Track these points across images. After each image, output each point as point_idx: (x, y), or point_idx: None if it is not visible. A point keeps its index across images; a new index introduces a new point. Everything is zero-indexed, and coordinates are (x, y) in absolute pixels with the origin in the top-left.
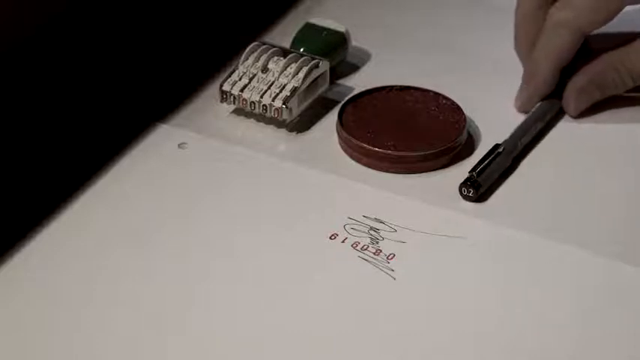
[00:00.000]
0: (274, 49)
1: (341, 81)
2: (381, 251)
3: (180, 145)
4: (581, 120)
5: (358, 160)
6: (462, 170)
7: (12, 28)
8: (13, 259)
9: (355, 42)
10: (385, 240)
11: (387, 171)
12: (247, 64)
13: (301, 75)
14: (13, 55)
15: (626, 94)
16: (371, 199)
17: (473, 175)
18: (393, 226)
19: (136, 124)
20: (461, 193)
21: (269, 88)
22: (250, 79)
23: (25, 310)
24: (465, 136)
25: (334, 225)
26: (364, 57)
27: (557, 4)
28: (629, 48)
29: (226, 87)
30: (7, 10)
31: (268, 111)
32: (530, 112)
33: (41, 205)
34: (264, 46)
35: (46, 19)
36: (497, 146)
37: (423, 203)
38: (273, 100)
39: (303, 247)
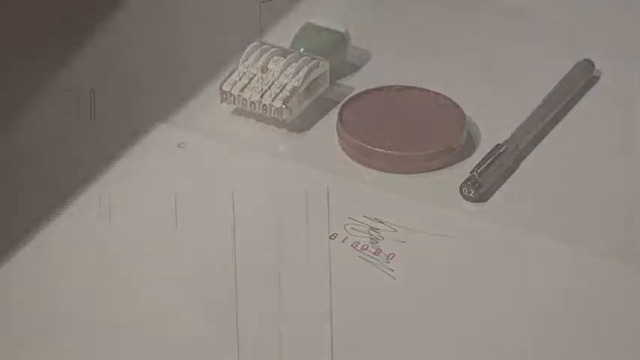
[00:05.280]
0: (274, 49)
1: (341, 81)
2: (381, 251)
3: (180, 145)
4: (580, 120)
5: (358, 160)
6: (462, 170)
7: (18, 28)
8: (12, 261)
9: (355, 42)
10: (385, 240)
11: (386, 171)
12: (247, 64)
13: (301, 75)
14: (13, 55)
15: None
16: (371, 199)
17: (474, 175)
18: (393, 226)
19: (136, 123)
20: (462, 193)
21: (269, 88)
22: (250, 79)
23: (23, 311)
24: (464, 136)
25: (334, 225)
26: (364, 57)
27: None
28: None
29: (226, 87)
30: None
31: (268, 111)
32: (531, 112)
33: (40, 205)
34: (264, 46)
35: (50, 20)
36: (499, 146)
37: (423, 203)
38: (273, 100)
39: (303, 247)
